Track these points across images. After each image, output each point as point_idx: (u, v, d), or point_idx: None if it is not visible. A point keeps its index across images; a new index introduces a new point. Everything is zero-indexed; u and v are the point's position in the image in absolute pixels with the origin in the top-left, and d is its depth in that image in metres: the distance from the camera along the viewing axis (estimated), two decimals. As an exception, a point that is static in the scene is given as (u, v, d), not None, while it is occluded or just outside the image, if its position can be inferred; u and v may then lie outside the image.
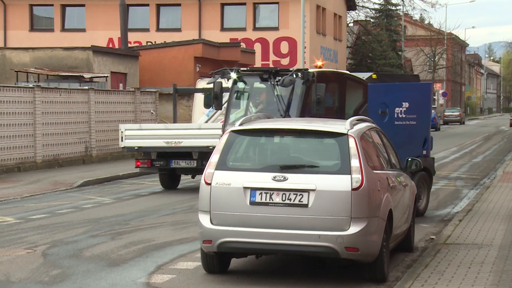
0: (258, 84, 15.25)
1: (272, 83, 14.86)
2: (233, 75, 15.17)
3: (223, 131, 14.63)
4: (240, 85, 15.28)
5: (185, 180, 21.28)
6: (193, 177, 20.72)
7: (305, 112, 14.82)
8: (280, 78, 14.89)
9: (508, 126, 69.63)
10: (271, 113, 14.34)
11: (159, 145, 19.24)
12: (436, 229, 13.92)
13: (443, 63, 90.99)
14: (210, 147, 17.42)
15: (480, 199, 16.96)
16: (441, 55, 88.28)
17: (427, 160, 15.29)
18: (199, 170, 18.62)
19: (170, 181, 19.94)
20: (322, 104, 14.62)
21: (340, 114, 16.30)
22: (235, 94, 15.30)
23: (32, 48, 34.04)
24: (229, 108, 15.31)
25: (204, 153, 18.29)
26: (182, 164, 19.14)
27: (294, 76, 14.68)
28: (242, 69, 15.50)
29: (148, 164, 19.25)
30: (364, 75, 19.00)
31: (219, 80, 15.58)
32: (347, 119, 10.16)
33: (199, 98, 22.81)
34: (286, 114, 14.49)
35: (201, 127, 19.80)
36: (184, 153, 19.17)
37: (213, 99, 15.54)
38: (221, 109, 15.93)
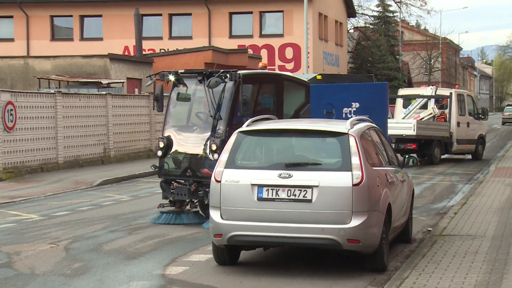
0: (196, 86, 14.41)
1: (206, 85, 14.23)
2: (171, 77, 14.32)
3: (163, 132, 14.24)
4: (179, 87, 14.40)
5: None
6: None
7: (235, 113, 13.87)
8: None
9: (500, 124, 69.33)
10: (205, 116, 13.91)
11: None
12: (433, 222, 13.92)
13: (439, 66, 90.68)
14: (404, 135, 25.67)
15: (474, 193, 16.94)
16: (437, 59, 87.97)
17: None
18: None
19: None
20: (249, 105, 13.63)
21: (278, 114, 15.13)
22: (175, 96, 14.44)
23: (53, 57, 34.05)
24: (168, 109, 14.46)
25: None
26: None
27: (223, 78, 13.79)
28: (180, 71, 14.51)
29: None
30: (308, 76, 18.29)
31: (159, 82, 14.91)
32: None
33: None
34: (217, 115, 13.64)
35: (398, 121, 26.28)
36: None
37: (154, 101, 14.83)
38: (161, 111, 15.06)
